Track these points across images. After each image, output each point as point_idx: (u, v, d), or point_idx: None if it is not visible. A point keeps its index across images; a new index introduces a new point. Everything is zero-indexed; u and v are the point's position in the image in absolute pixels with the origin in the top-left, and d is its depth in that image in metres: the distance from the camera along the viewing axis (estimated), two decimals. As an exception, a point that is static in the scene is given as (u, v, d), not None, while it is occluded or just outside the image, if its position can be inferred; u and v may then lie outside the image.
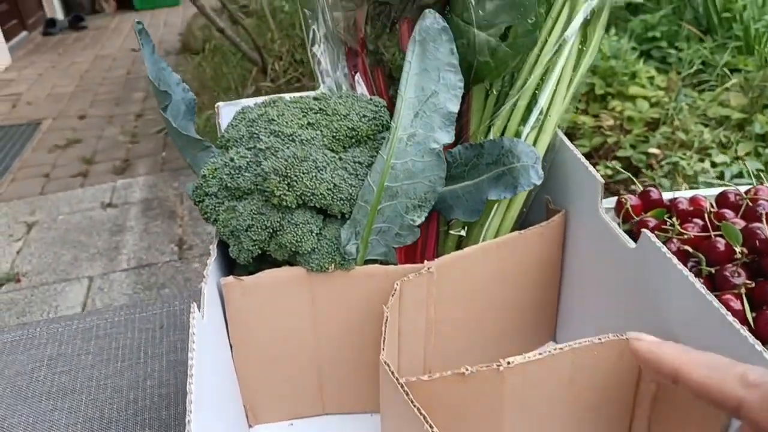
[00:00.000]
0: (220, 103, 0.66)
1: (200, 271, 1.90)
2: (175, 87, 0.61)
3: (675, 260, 0.46)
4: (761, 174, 1.69)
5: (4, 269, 2.02)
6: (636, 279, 0.51)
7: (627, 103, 2.10)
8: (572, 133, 2.09)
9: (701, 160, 1.78)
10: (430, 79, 0.51)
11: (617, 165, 1.95)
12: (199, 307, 0.47)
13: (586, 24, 0.57)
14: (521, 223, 0.60)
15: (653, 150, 1.91)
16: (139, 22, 0.58)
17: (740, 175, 1.69)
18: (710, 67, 2.30)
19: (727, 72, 2.20)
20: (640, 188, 0.73)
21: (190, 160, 0.61)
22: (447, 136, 0.51)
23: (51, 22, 6.23)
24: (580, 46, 0.58)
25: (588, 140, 2.07)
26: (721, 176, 1.71)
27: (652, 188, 0.71)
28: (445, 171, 0.51)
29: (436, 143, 0.51)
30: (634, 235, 0.64)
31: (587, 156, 2.09)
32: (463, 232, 0.59)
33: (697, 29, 2.52)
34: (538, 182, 0.53)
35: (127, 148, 2.96)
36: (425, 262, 0.54)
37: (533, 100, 0.58)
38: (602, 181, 0.54)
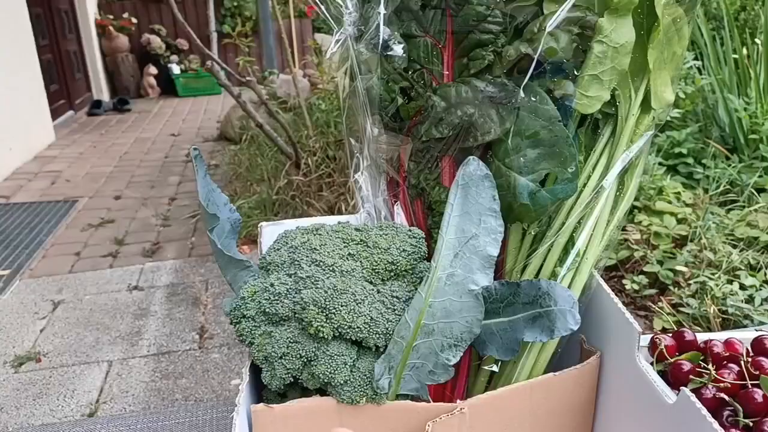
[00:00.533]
0: (263, 223, 0.68)
1: (219, 362, 1.88)
2: (222, 207, 0.64)
3: (716, 425, 0.45)
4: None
5: (27, 347, 2.03)
6: (673, 435, 0.50)
7: (654, 218, 2.11)
8: (599, 244, 2.08)
9: (730, 282, 1.76)
10: (471, 222, 0.53)
11: (644, 280, 1.93)
12: (230, 440, 0.46)
13: (624, 172, 0.59)
14: (556, 362, 0.60)
15: (680, 268, 1.89)
16: (195, 148, 0.62)
17: (771, 300, 1.66)
18: (737, 186, 2.32)
19: (755, 192, 2.21)
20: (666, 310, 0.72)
21: (230, 278, 0.62)
22: (485, 279, 0.52)
23: (97, 104, 6.55)
24: (617, 193, 0.60)
25: (615, 252, 2.06)
26: (750, 300, 1.68)
27: (686, 330, 0.71)
28: (482, 313, 0.52)
29: (474, 285, 0.52)
30: (667, 376, 0.63)
31: (613, 268, 2.08)
32: (495, 368, 0.59)
33: (723, 147, 2.56)
34: (575, 327, 0.53)
35: (158, 231, 3.02)
36: (457, 400, 0.54)
37: (570, 242, 0.59)
38: (640, 329, 0.54)
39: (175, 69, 7.15)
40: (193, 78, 7.05)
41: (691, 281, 1.82)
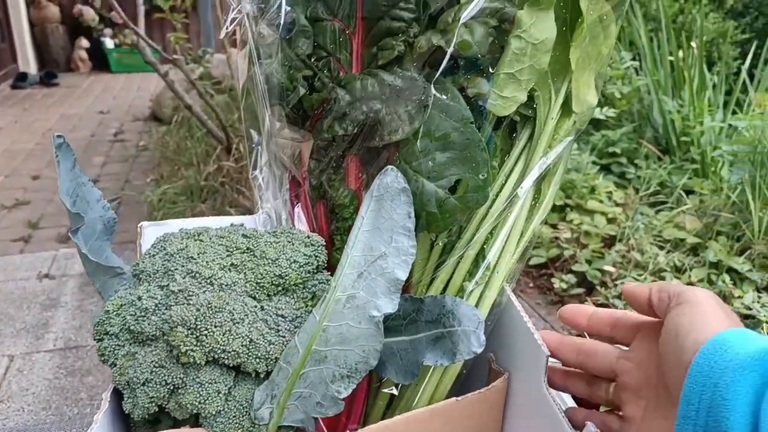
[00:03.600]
0: (144, 223, 0.60)
1: (132, 359, 1.76)
2: (94, 204, 0.56)
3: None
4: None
5: None
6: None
7: (585, 217, 2.11)
8: (530, 242, 2.08)
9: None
10: (382, 239, 0.47)
11: (572, 279, 1.93)
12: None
13: (541, 179, 0.55)
14: (461, 382, 0.55)
15: (608, 268, 1.90)
16: (59, 136, 0.53)
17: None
18: (667, 187, 2.36)
19: (683, 194, 2.25)
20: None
21: (99, 287, 0.55)
22: (390, 305, 0.46)
23: (22, 76, 6.15)
24: (533, 201, 0.55)
25: (545, 250, 2.06)
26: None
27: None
28: (381, 344, 0.46)
29: (376, 311, 0.46)
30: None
31: (543, 266, 2.07)
32: (395, 391, 0.53)
33: (656, 148, 2.61)
34: (479, 350, 0.48)
35: (77, 214, 2.83)
36: (354, 426, 0.48)
37: (481, 254, 0.54)
38: (548, 353, 0.49)
39: (109, 43, 6.81)
40: (128, 53, 6.71)
41: (617, 282, 1.83)
